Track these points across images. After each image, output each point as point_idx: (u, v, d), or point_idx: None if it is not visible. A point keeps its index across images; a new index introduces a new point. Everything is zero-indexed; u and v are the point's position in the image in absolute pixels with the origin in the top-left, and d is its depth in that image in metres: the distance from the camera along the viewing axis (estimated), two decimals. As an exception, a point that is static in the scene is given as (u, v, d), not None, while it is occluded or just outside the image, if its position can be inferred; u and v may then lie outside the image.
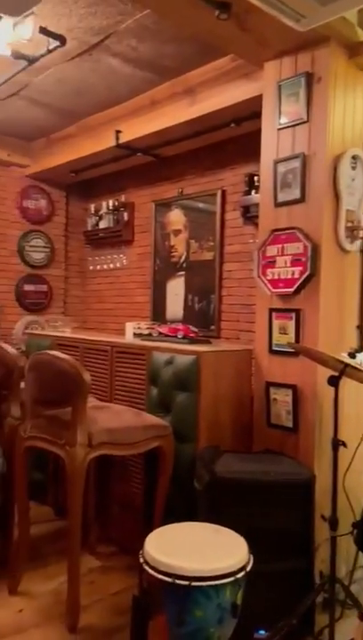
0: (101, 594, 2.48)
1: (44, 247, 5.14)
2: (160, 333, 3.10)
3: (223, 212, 3.90)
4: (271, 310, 2.62)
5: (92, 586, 2.54)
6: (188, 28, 2.64)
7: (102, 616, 2.31)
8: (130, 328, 3.35)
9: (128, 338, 3.29)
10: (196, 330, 3.04)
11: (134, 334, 3.30)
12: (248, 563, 1.67)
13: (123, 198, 4.78)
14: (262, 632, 1.98)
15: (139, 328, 3.33)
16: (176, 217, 4.32)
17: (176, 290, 4.34)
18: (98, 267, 5.19)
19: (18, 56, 2.97)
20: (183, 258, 4.26)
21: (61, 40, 2.83)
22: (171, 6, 2.31)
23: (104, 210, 4.91)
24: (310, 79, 2.47)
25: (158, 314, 4.46)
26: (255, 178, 3.50)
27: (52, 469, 3.40)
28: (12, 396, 2.81)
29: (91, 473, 2.77)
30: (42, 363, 2.40)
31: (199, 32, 2.56)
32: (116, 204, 4.81)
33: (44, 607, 2.37)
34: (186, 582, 1.54)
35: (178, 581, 1.54)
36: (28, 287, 5.05)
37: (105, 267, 5.10)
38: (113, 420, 2.49)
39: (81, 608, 2.24)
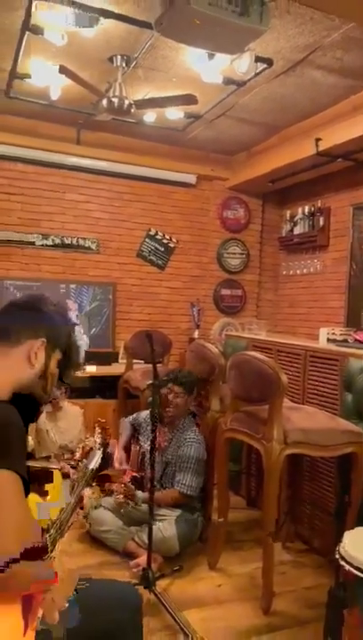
0: (293, 585, 2.60)
1: (241, 254, 5.44)
2: (356, 340, 3.09)
3: None
4: None
5: (283, 576, 2.67)
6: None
7: (294, 606, 2.43)
8: (324, 333, 3.40)
9: (322, 343, 3.34)
10: (395, 338, 2.96)
11: (328, 340, 3.34)
12: None
13: (319, 203, 4.80)
14: None
15: (333, 334, 3.36)
16: (376, 220, 4.21)
17: (374, 295, 4.22)
18: (291, 272, 5.29)
19: (228, 82, 3.25)
20: (382, 263, 4.13)
21: (269, 63, 3.02)
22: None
23: (299, 216, 5.00)
24: None
25: (353, 320, 4.38)
26: None
27: (246, 462, 3.62)
28: (213, 391, 3.11)
29: (283, 469, 2.91)
30: (243, 362, 2.61)
31: None
32: (312, 209, 4.86)
33: (240, 587, 2.58)
34: (383, 583, 1.58)
35: (374, 580, 1.59)
36: (224, 291, 5.40)
37: (298, 272, 5.17)
38: (307, 420, 2.58)
39: (274, 594, 2.40)
